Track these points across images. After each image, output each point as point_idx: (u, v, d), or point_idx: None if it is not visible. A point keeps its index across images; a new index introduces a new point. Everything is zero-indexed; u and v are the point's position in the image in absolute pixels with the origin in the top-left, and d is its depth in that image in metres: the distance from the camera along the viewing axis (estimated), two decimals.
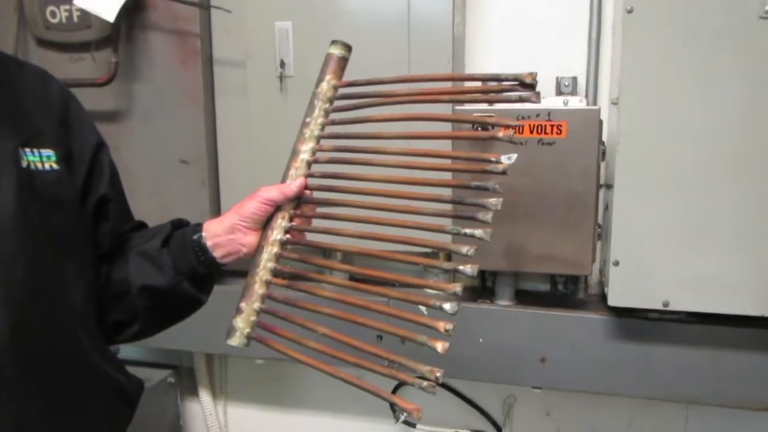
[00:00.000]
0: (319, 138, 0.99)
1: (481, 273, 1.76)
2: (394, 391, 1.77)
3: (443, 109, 1.17)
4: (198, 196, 1.76)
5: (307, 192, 0.98)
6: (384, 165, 0.93)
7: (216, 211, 1.78)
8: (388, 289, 0.89)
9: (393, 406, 1.84)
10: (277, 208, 0.96)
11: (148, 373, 2.00)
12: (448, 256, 1.49)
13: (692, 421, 1.73)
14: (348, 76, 1.01)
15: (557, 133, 1.41)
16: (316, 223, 0.98)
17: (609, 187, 1.48)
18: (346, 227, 0.94)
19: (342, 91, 1.00)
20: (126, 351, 2.02)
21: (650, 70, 1.28)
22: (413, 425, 1.88)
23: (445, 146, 1.34)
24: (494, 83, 0.90)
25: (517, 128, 1.29)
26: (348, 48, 1.00)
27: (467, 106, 1.42)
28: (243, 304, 0.95)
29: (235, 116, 1.75)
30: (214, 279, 1.00)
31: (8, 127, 0.79)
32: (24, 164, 0.79)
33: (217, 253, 0.94)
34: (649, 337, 1.45)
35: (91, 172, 0.90)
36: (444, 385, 1.85)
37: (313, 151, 0.98)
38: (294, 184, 0.96)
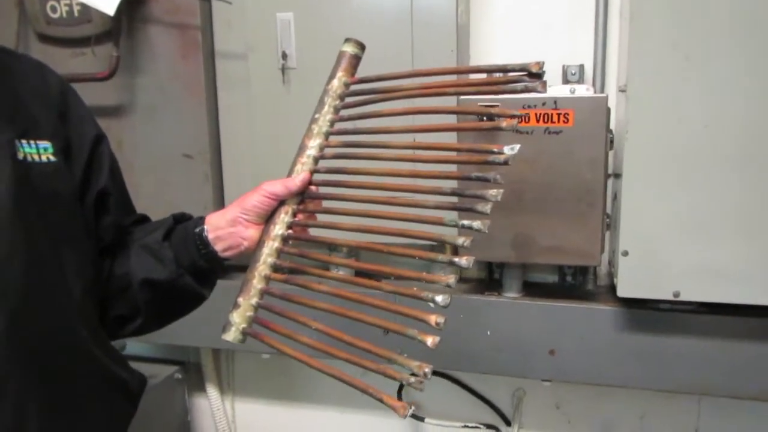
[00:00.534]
0: (327, 134, 0.99)
1: (489, 265, 1.75)
2: (399, 389, 1.77)
3: (449, 101, 1.16)
4: (201, 190, 1.76)
5: (312, 188, 0.97)
6: (388, 159, 0.93)
7: (220, 205, 1.77)
8: (382, 283, 0.88)
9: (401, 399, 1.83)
10: (281, 203, 0.95)
11: (155, 369, 2.00)
12: (455, 249, 1.47)
13: (705, 413, 1.71)
14: None
15: (564, 121, 1.39)
16: (318, 217, 0.98)
17: (617, 176, 1.46)
18: (346, 221, 0.93)
19: (351, 87, 1.00)
20: (132, 347, 2.03)
21: (659, 56, 1.25)
22: (421, 419, 1.87)
23: (451, 138, 1.33)
24: (502, 74, 0.89)
25: (522, 117, 1.27)
26: (361, 46, 1.01)
27: (472, 97, 1.40)
28: (240, 299, 0.94)
29: (238, 109, 1.74)
30: (217, 274, 0.99)
31: (4, 119, 0.78)
32: (20, 156, 0.78)
33: (218, 247, 0.93)
34: (660, 328, 1.43)
35: (90, 164, 0.89)
36: (452, 379, 1.84)
37: (321, 147, 0.98)
38: (298, 178, 0.95)
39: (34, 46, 1.78)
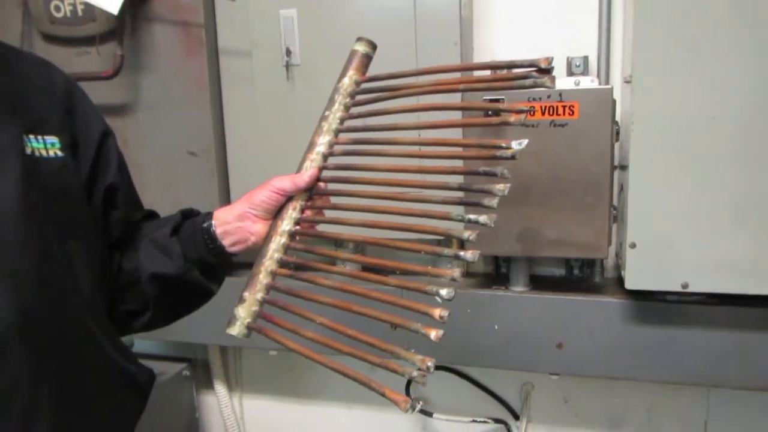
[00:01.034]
0: (337, 131, 0.99)
1: (495, 259, 1.74)
2: (407, 385, 1.77)
3: (455, 97, 1.17)
4: (207, 187, 1.76)
5: (321, 184, 0.97)
6: (396, 155, 0.93)
7: (225, 202, 1.77)
8: (387, 277, 0.88)
9: (410, 394, 1.83)
10: (289, 198, 0.96)
11: (163, 366, 2.01)
12: (462, 244, 1.47)
13: (714, 405, 1.70)
14: None
15: (569, 114, 1.38)
16: (325, 213, 0.98)
17: (624, 167, 1.45)
18: (353, 217, 0.93)
19: (362, 85, 1.00)
20: (141, 345, 2.04)
21: (664, 46, 1.24)
22: (430, 414, 1.87)
23: (458, 134, 1.33)
24: (511, 70, 0.89)
25: (528, 111, 1.27)
26: (373, 46, 1.01)
27: (476, 92, 1.39)
28: (246, 294, 0.95)
29: (242, 106, 1.74)
30: (225, 269, 1.00)
31: (11, 115, 0.78)
32: (28, 151, 0.78)
33: (226, 242, 0.94)
34: (668, 319, 1.43)
35: (98, 160, 0.89)
36: (460, 374, 1.84)
37: (330, 144, 0.98)
38: (306, 174, 0.95)
39: (38, 45, 1.79)
